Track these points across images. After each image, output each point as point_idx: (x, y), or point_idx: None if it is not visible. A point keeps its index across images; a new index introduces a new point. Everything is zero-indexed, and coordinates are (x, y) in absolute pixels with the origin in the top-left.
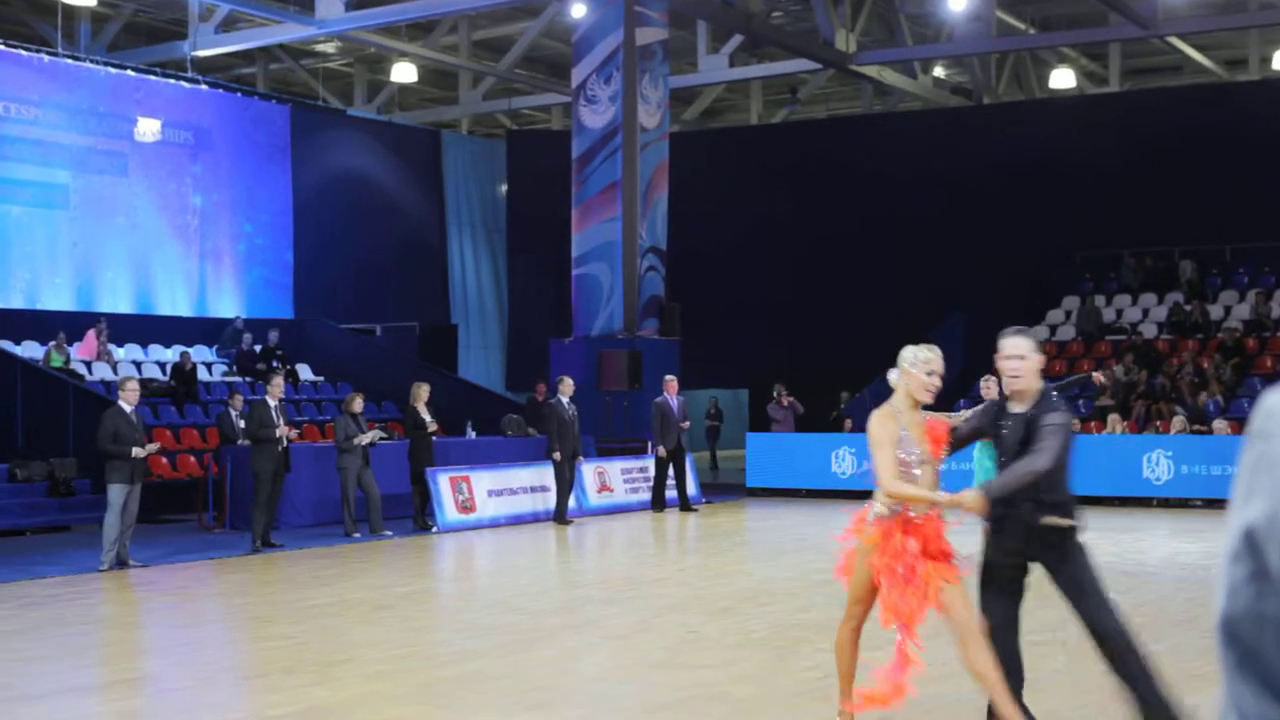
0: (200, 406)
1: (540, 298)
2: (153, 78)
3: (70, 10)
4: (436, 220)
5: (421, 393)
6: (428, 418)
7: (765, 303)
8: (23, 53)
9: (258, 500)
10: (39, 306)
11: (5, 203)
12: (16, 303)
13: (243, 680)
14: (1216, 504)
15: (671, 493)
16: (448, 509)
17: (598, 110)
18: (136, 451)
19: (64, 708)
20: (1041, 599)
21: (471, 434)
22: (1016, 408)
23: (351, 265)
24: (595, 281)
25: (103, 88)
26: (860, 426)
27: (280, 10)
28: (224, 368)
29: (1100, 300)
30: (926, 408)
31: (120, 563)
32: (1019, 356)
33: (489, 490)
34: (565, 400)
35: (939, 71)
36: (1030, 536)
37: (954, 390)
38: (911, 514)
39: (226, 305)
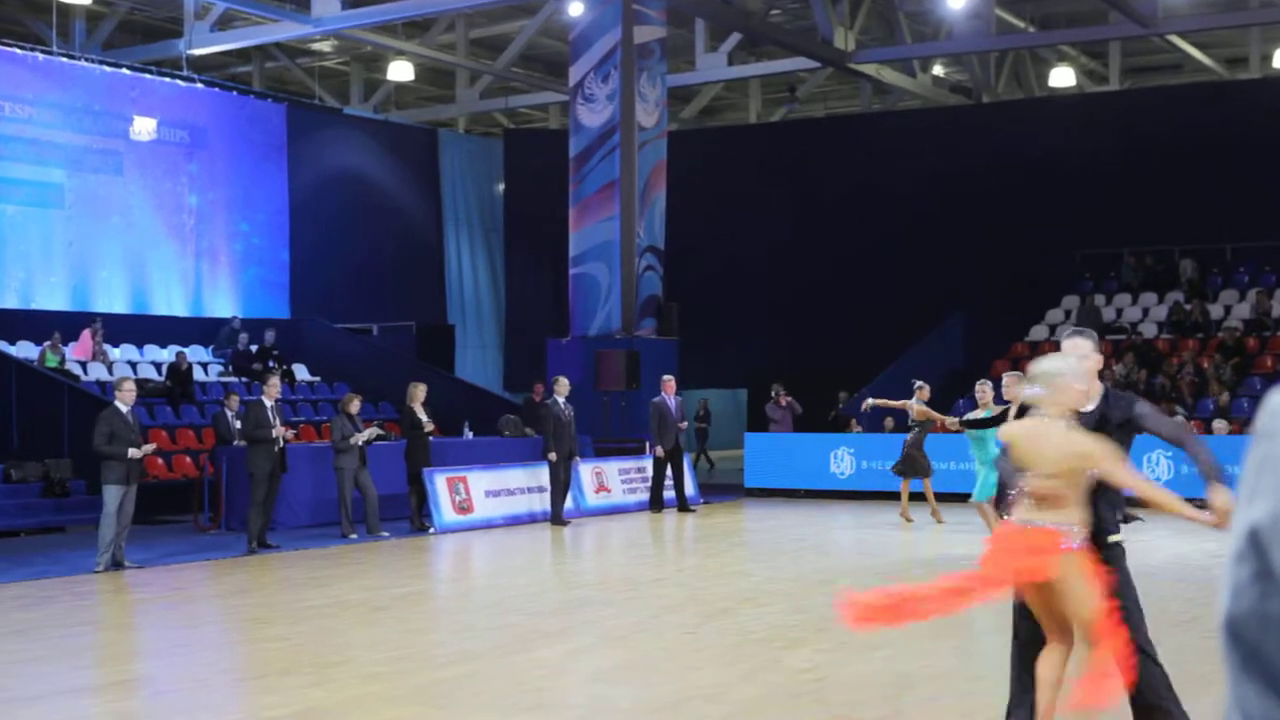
0: (196, 407)
1: (538, 297)
2: (148, 76)
3: (65, 8)
4: (433, 219)
5: (418, 393)
6: (424, 418)
7: (763, 302)
8: (17, 51)
9: (254, 501)
10: (34, 306)
11: (0, 202)
12: (11, 302)
13: (239, 682)
14: None
15: (669, 493)
16: (445, 510)
17: (595, 109)
18: (132, 452)
19: (60, 709)
20: None
21: (469, 434)
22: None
23: (348, 265)
24: (593, 281)
25: (98, 86)
26: (869, 427)
27: (276, 9)
28: (220, 368)
29: (1100, 299)
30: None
31: (116, 564)
32: (1081, 358)
33: (486, 491)
34: (561, 400)
35: (938, 70)
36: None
37: (953, 390)
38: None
39: (222, 305)
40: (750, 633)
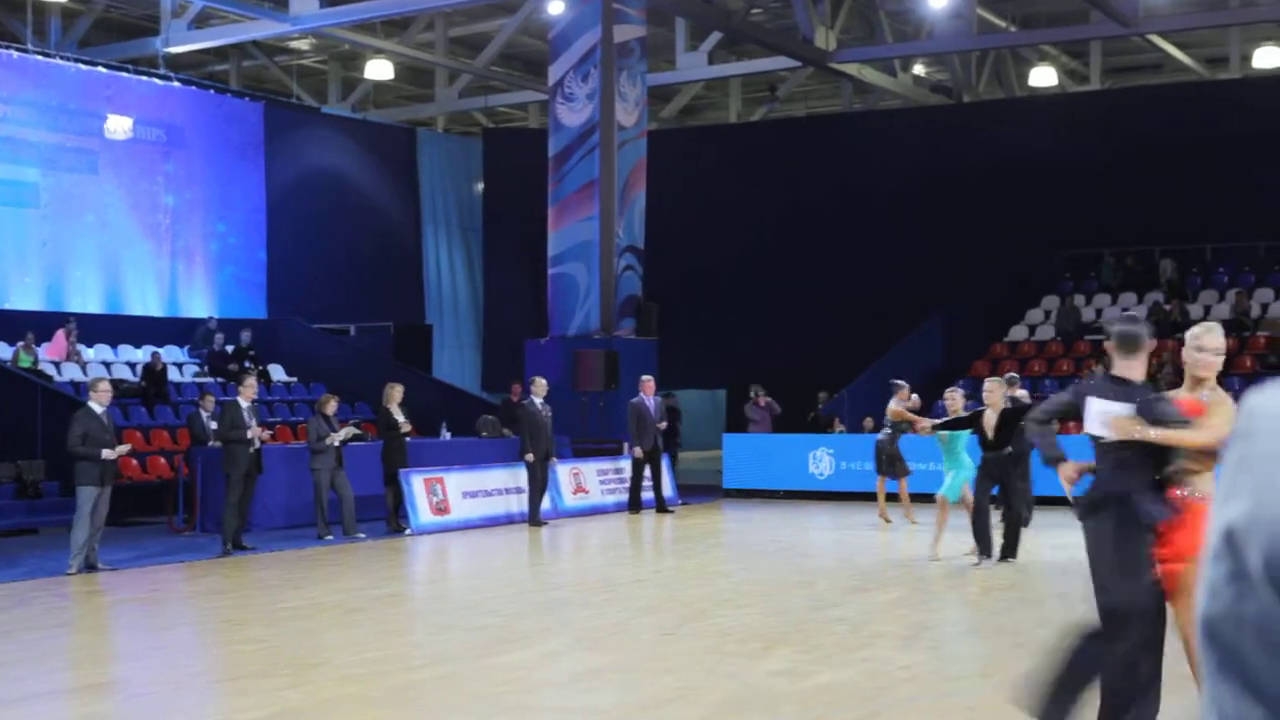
0: (171, 408)
1: (516, 297)
2: (124, 74)
3: (41, 6)
4: (412, 219)
5: (395, 393)
6: (401, 418)
7: (742, 302)
8: None
9: (229, 502)
10: (7, 306)
11: None
12: None
13: (214, 684)
14: None
15: (648, 494)
16: (422, 511)
17: (575, 108)
18: (107, 454)
19: (33, 713)
20: (1022, 601)
21: (446, 435)
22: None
23: (325, 265)
24: (572, 281)
25: (73, 84)
26: (850, 427)
27: (254, 7)
28: (195, 368)
29: (1080, 300)
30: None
31: (89, 566)
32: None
33: (463, 492)
34: (539, 401)
35: (919, 69)
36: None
37: (933, 391)
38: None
39: (198, 305)
40: (728, 635)
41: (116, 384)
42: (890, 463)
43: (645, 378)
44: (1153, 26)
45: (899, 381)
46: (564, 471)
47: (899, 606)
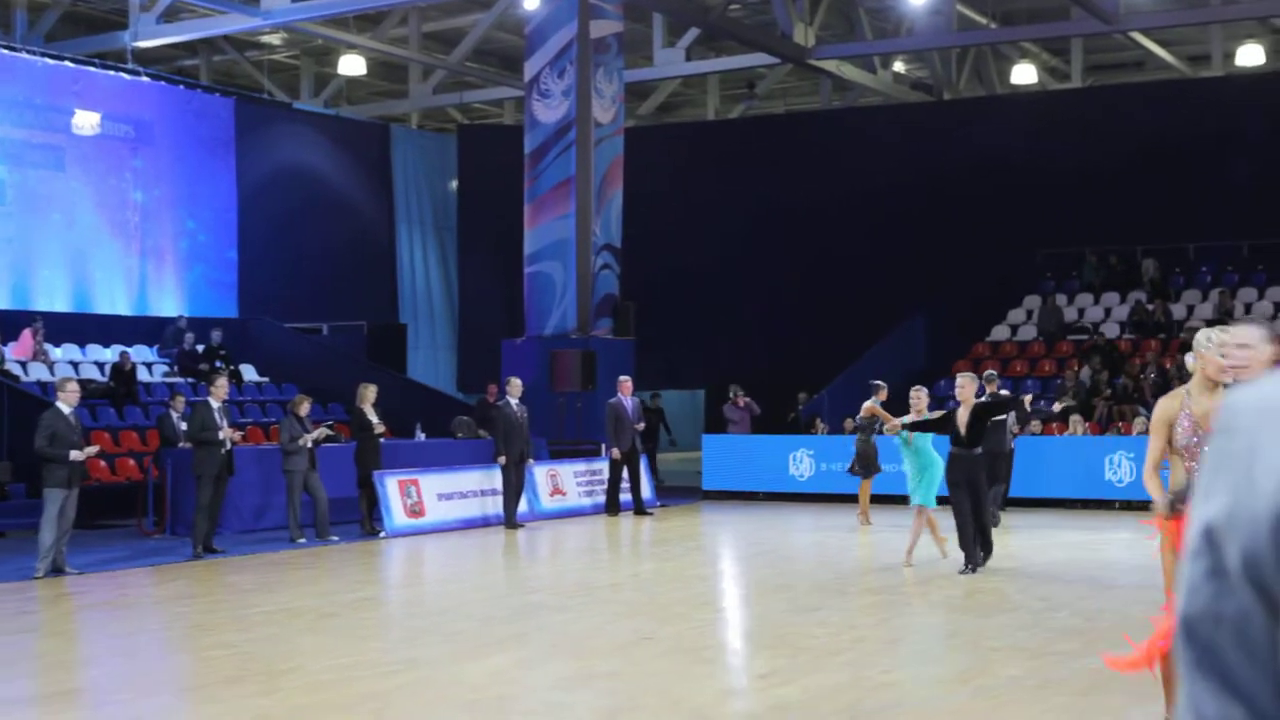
0: (140, 408)
1: (492, 296)
2: (92, 69)
3: None
4: (385, 217)
5: (368, 394)
6: (375, 419)
7: (722, 302)
8: None
9: (200, 505)
10: None
11: None
12: None
13: (184, 691)
14: None
15: (626, 496)
16: (396, 513)
17: (551, 105)
18: (75, 455)
19: None
20: (1003, 606)
21: (420, 436)
22: None
23: (297, 263)
24: (548, 280)
25: (39, 79)
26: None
27: (224, 0)
28: (165, 368)
29: (1062, 299)
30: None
31: (56, 570)
32: (1246, 345)
33: (438, 494)
34: (514, 402)
35: (899, 66)
36: None
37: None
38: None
39: (168, 304)
40: (708, 639)
41: (85, 384)
42: (861, 461)
43: (623, 378)
44: (1134, 24)
45: (879, 383)
46: (541, 473)
47: (880, 610)
